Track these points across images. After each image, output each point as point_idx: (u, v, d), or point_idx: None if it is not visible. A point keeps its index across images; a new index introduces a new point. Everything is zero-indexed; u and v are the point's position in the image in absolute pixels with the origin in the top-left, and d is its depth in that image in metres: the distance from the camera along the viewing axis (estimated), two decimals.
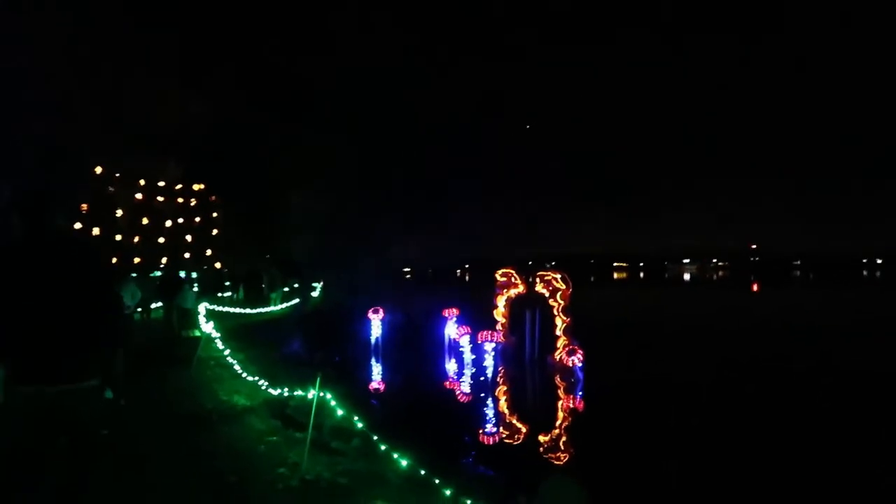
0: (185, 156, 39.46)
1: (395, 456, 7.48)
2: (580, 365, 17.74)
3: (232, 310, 26.69)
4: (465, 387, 18.42)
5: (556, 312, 19.68)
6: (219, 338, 16.02)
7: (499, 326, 22.30)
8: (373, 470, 7.47)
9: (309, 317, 31.12)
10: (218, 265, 40.32)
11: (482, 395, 16.92)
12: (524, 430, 14.08)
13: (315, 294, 40.41)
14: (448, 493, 6.22)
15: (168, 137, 38.26)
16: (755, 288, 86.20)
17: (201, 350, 16.61)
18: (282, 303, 34.04)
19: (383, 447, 7.71)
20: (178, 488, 6.67)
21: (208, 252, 40.56)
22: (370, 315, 24.34)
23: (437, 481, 6.35)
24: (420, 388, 18.16)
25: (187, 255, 39.54)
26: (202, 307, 22.09)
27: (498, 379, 19.17)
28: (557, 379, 18.52)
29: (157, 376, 13.39)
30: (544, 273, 20.32)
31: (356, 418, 8.45)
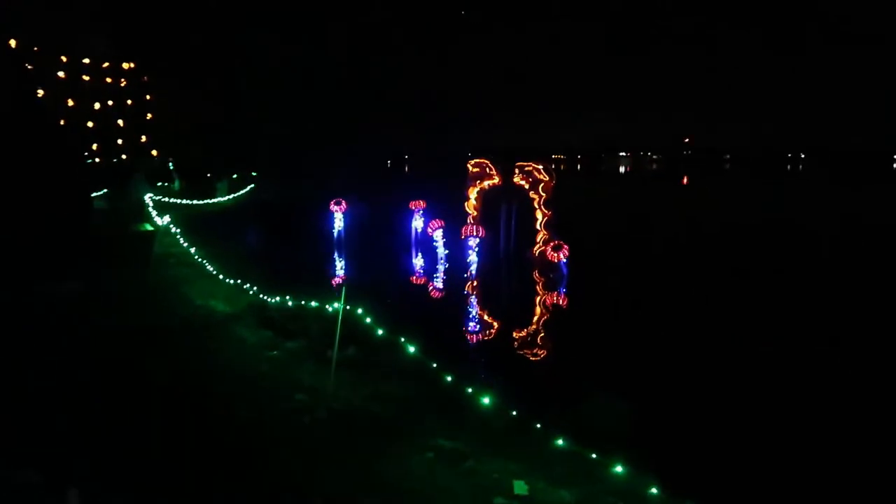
0: (112, 30, 35.65)
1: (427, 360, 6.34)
2: (565, 260, 16.94)
3: (180, 201, 24.70)
4: (439, 283, 17.55)
5: (536, 205, 18.66)
6: (179, 233, 14.43)
7: (470, 220, 21.21)
8: (402, 392, 6.39)
9: (263, 208, 29.35)
10: (154, 153, 37.50)
11: (465, 292, 16.01)
12: (496, 325, 13.41)
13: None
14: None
15: (92, 7, 34.27)
16: (685, 181, 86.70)
17: (157, 245, 15.06)
18: (229, 193, 31.95)
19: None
20: (182, 428, 5.45)
21: (143, 138, 37.54)
22: (332, 207, 22.86)
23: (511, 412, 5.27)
24: (387, 283, 17.17)
25: (120, 142, 36.53)
26: (147, 198, 20.24)
27: (468, 274, 18.32)
28: (536, 274, 17.78)
29: (115, 276, 11.83)
30: (524, 163, 19.06)
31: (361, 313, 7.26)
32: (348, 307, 6.08)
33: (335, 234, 22.89)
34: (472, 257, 16.36)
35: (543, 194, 18.48)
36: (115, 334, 8.43)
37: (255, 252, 18.73)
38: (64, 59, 35.53)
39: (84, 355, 7.55)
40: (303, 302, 9.22)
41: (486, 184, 20.90)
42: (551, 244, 17.14)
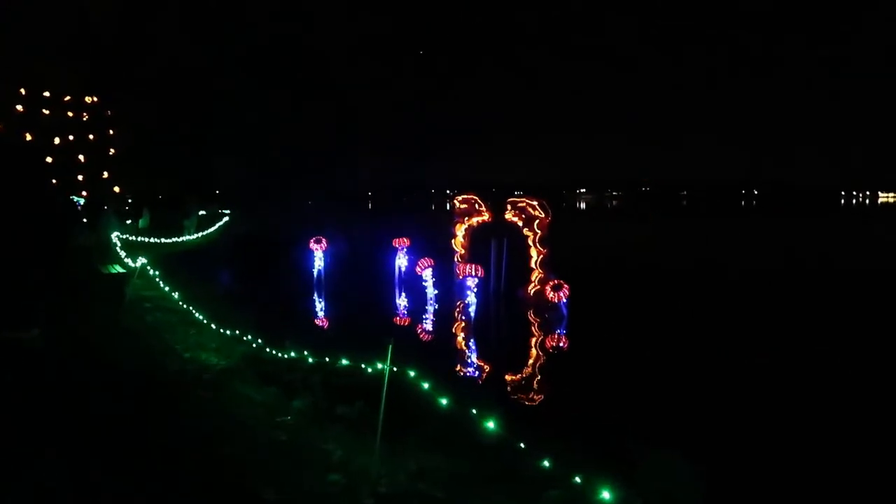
0: (76, 63, 34.29)
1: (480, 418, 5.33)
2: (565, 301, 16.14)
3: (148, 240, 23.34)
4: (428, 325, 16.65)
5: (531, 243, 17.92)
6: (153, 275, 13.23)
7: (457, 258, 20.40)
8: (452, 466, 5.39)
9: (238, 246, 28.14)
10: (116, 189, 35.94)
11: (463, 335, 15.08)
12: (487, 368, 12.72)
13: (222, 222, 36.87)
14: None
15: (57, 40, 32.99)
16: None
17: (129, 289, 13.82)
18: (196, 232, 30.60)
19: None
20: None
21: (105, 174, 35.95)
22: (312, 246, 21.80)
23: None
24: (370, 324, 16.24)
25: (80, 178, 34.83)
26: (115, 237, 18.97)
27: (455, 314, 17.49)
28: (531, 315, 16.98)
29: (89, 323, 10.62)
30: (517, 199, 18.37)
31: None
32: (395, 368, 5.08)
33: (315, 274, 21.80)
34: (471, 298, 15.42)
35: (538, 231, 17.78)
36: (92, 390, 7.29)
37: (234, 294, 17.61)
38: (23, 91, 33.98)
39: (53, 414, 6.44)
40: (309, 357, 8.19)
41: (474, 220, 20.15)
42: (550, 283, 16.35)
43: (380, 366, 5.17)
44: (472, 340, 14.76)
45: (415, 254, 21.67)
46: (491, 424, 4.56)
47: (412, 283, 20.66)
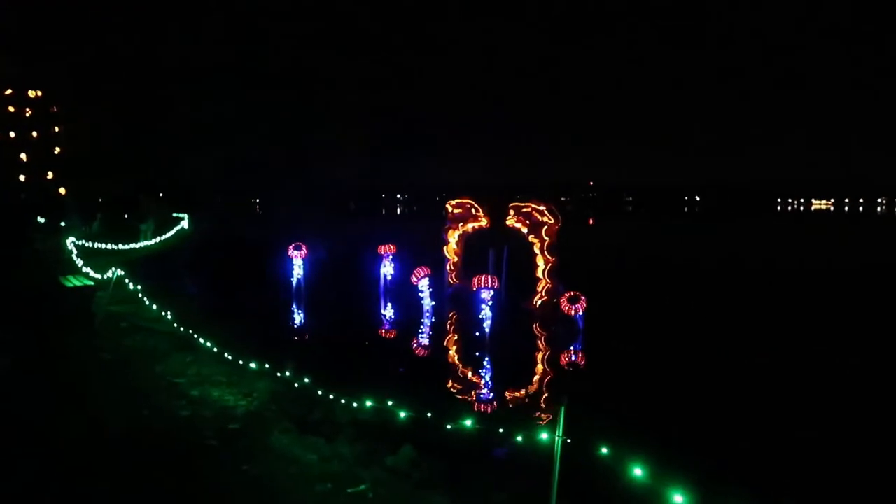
0: (18, 55, 31.44)
1: None
2: (582, 313, 14.89)
3: (103, 246, 21.10)
4: (424, 339, 15.34)
5: (537, 251, 16.64)
6: (126, 286, 11.38)
7: (449, 266, 19.04)
8: None
9: (207, 252, 26.16)
10: (62, 190, 33.25)
11: (477, 353, 13.69)
12: (481, 385, 11.73)
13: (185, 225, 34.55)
14: None
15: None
16: (591, 222, 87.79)
17: (97, 305, 12.02)
18: (154, 237, 28.32)
19: None
20: None
21: (49, 174, 33.14)
22: (291, 253, 20.05)
23: None
24: (353, 336, 14.98)
25: (22, 178, 31.91)
26: (69, 243, 16.94)
27: (448, 326, 16.22)
28: (536, 328, 15.76)
29: (58, 349, 8.77)
30: (521, 204, 17.04)
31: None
32: (569, 440, 3.58)
33: (294, 283, 20.08)
34: (486, 312, 14.03)
35: (546, 238, 16.51)
36: (79, 444, 5.66)
37: (216, 307, 15.83)
38: None
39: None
40: (342, 399, 6.73)
41: (469, 226, 18.76)
42: (567, 295, 15.10)
43: (544, 435, 3.70)
44: (487, 359, 13.39)
45: (401, 262, 20.31)
46: None
47: (398, 293, 19.29)
